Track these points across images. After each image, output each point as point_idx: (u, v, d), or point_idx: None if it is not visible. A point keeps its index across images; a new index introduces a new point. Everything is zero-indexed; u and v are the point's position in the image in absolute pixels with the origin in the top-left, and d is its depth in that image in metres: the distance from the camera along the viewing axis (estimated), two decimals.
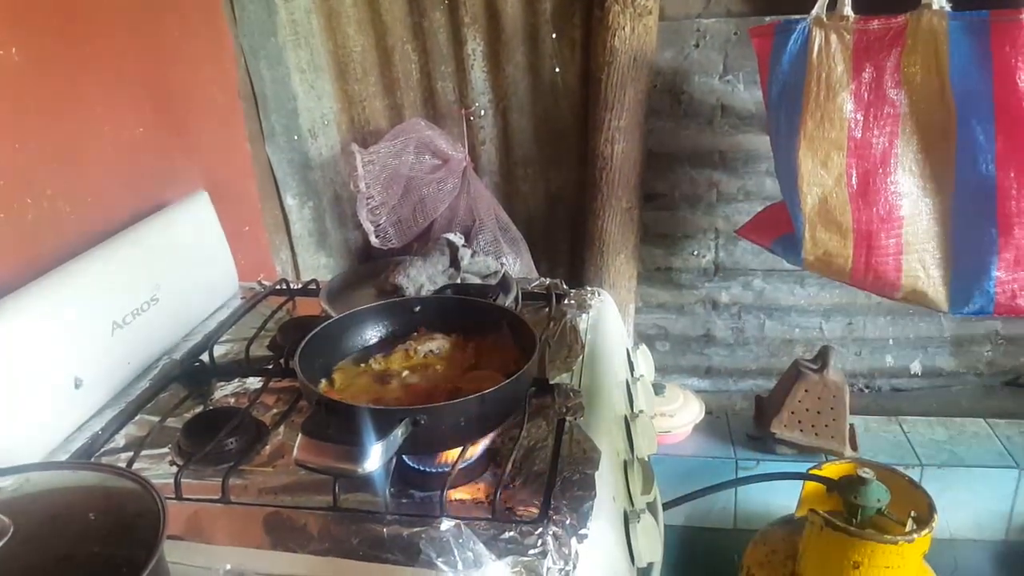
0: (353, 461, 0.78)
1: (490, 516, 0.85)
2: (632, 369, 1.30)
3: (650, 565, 0.99)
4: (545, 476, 0.92)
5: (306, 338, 0.98)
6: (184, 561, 0.84)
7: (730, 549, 1.80)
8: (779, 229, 1.59)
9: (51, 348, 1.03)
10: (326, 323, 1.02)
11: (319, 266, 2.03)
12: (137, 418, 1.11)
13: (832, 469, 1.53)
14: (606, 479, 0.93)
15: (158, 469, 1.00)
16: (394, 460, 0.87)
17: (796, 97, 1.44)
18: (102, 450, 1.03)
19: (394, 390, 0.96)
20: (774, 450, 1.89)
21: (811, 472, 1.51)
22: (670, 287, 2.15)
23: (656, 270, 2.12)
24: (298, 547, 0.85)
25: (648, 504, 1.05)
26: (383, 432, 0.80)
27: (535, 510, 0.87)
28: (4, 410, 0.95)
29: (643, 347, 1.35)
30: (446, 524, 0.82)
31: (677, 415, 1.90)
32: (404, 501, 0.90)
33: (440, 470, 0.93)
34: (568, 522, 0.83)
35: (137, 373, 1.18)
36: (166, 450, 1.03)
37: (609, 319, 1.32)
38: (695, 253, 2.09)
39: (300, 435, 0.80)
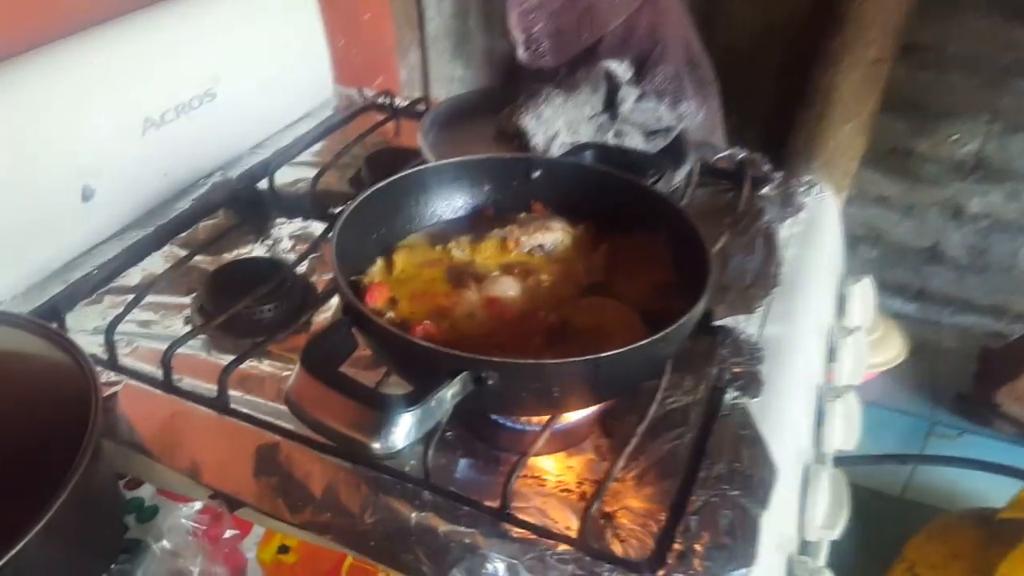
0: (367, 430, 0.47)
1: (575, 537, 0.54)
2: (842, 315, 0.88)
3: None
4: (677, 479, 0.59)
5: (363, 195, 0.65)
6: (151, 477, 0.61)
7: (890, 520, 1.43)
8: None
9: (51, 141, 0.77)
10: (396, 177, 0.68)
11: (453, 78, 1.67)
12: (165, 249, 0.86)
13: None
14: (775, 515, 0.57)
15: (168, 325, 0.76)
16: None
17: None
18: (107, 287, 0.80)
19: (468, 303, 0.62)
20: (990, 423, 1.46)
21: None
22: (902, 178, 1.70)
23: (890, 152, 1.68)
24: (289, 507, 0.58)
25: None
26: (425, 388, 0.48)
27: (648, 543, 0.55)
28: None
29: (866, 281, 0.92)
30: (497, 553, 0.52)
31: (872, 350, 1.45)
32: (456, 458, 0.62)
33: (519, 427, 0.63)
34: None
35: (176, 190, 0.92)
36: (187, 299, 0.79)
37: (826, 232, 0.89)
38: (954, 138, 1.61)
39: (299, 366, 0.49)
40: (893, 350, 1.49)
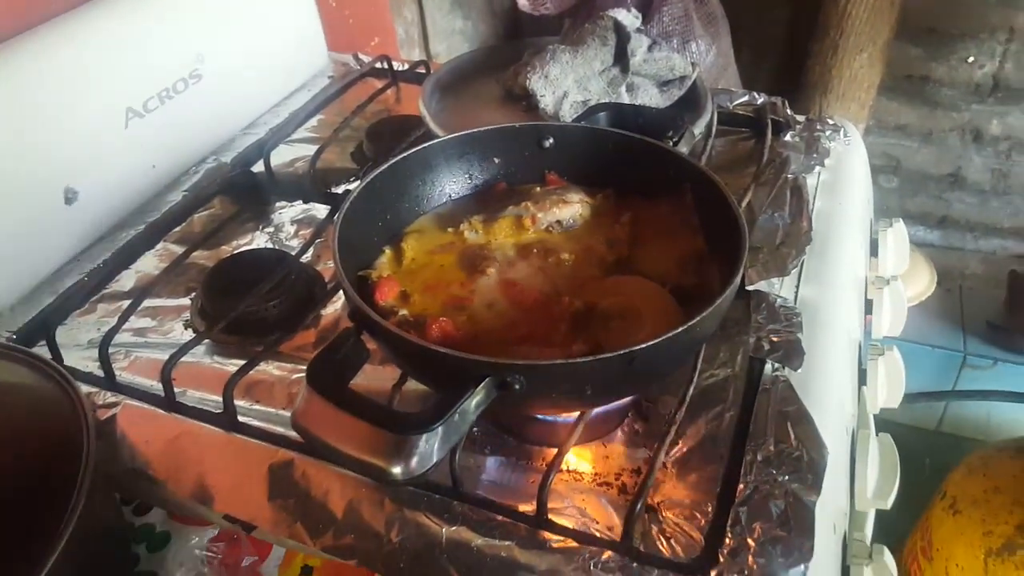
0: (385, 454, 0.43)
1: (619, 541, 0.51)
2: (875, 262, 0.83)
3: None
4: (721, 465, 0.55)
5: (363, 183, 0.60)
6: (160, 502, 0.58)
7: (926, 455, 1.40)
8: None
9: (25, 143, 0.71)
10: (398, 159, 0.63)
11: (453, 31, 1.58)
12: (159, 247, 0.82)
13: None
14: (827, 495, 0.53)
15: (167, 331, 0.72)
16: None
17: None
18: (100, 295, 0.75)
19: (486, 289, 0.58)
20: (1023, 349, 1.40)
21: None
22: (920, 104, 1.61)
23: (906, 79, 1.59)
24: (308, 531, 0.54)
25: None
26: (446, 398, 0.44)
27: (697, 539, 0.52)
28: None
29: (898, 225, 0.87)
30: (536, 567, 0.49)
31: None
32: (484, 457, 0.58)
33: (549, 418, 0.59)
34: None
35: (166, 182, 0.87)
36: (186, 300, 0.75)
37: (855, 179, 0.84)
38: (970, 60, 1.52)
39: (305, 385, 0.45)
40: (922, 283, 1.44)
